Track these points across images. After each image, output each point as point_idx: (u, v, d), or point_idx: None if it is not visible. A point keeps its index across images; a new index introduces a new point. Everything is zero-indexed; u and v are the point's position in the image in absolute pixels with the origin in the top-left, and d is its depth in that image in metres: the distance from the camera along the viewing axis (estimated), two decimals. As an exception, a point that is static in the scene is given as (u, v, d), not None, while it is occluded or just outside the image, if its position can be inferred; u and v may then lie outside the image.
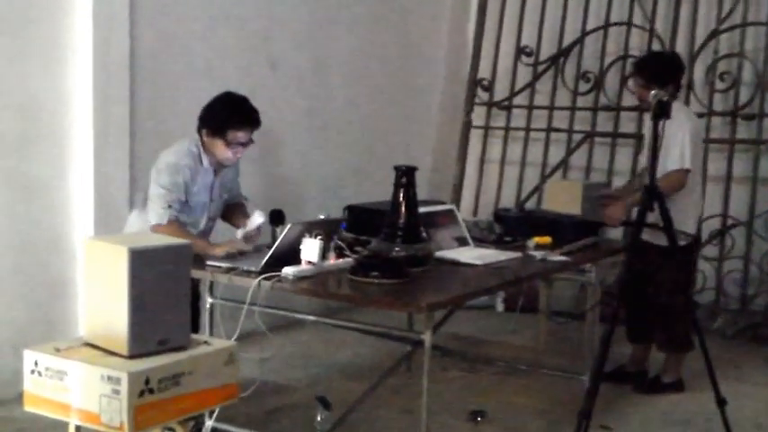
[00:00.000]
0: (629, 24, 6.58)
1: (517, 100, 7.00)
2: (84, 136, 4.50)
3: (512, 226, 4.56)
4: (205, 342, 3.13)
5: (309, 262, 3.47)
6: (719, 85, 6.23)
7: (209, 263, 3.62)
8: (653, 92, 3.67)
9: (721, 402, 3.79)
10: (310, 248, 3.47)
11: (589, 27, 6.75)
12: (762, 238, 6.10)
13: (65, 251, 4.51)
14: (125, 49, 4.64)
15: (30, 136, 4.35)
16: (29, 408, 3.01)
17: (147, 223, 3.83)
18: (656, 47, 6.35)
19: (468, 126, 7.07)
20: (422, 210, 3.84)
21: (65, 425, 2.97)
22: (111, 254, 2.90)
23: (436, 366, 4.71)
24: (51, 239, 4.48)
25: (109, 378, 2.79)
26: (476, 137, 7.14)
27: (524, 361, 5.16)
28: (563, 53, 6.82)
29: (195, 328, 3.58)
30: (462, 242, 4.17)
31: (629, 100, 6.33)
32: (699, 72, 6.32)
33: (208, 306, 3.80)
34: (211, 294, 3.80)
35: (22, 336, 4.14)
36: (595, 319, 4.65)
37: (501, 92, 7.06)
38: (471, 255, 3.95)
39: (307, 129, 5.98)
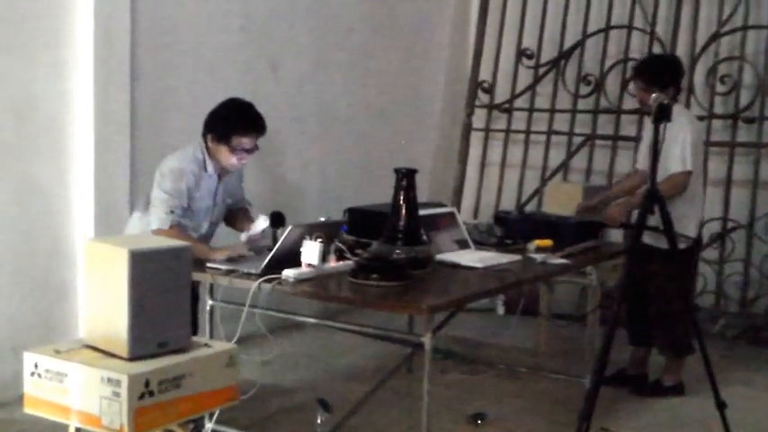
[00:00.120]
0: (629, 27, 6.58)
1: (518, 103, 7.01)
2: (85, 138, 4.50)
3: (512, 228, 4.56)
4: (205, 344, 3.13)
5: (310, 264, 3.47)
6: (720, 89, 6.24)
7: (209, 265, 3.62)
8: (654, 95, 3.67)
9: (721, 406, 3.78)
10: (311, 251, 3.47)
11: (590, 30, 6.76)
12: (762, 241, 6.10)
13: (65, 253, 4.51)
14: (126, 50, 4.64)
15: (30, 138, 4.35)
16: (29, 410, 3.01)
17: (149, 226, 3.83)
18: (656, 50, 6.36)
19: (468, 128, 7.08)
20: (422, 212, 3.84)
21: (65, 427, 2.97)
22: (111, 256, 2.90)
23: (437, 369, 4.72)
24: (51, 241, 4.48)
25: (109, 380, 2.78)
26: (476, 139, 7.14)
27: (525, 364, 5.16)
28: (564, 56, 6.83)
29: (193, 330, 3.58)
30: (463, 245, 4.17)
31: (629, 103, 6.33)
32: (699, 75, 6.32)
33: (208, 308, 3.79)
34: (212, 297, 3.79)
35: (22, 338, 4.14)
36: (596, 321, 4.65)
37: (502, 94, 7.06)
38: (472, 257, 3.95)
39: (307, 131, 5.98)
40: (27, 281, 4.39)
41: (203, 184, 3.91)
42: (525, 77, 6.99)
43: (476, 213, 6.93)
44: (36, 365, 2.95)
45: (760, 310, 6.05)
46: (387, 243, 3.67)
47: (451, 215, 4.27)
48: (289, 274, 3.42)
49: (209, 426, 3.67)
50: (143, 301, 2.87)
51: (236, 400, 3.16)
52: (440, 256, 3.87)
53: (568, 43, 6.82)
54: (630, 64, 6.26)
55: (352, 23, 6.28)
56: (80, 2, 4.43)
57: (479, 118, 7.12)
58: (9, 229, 4.29)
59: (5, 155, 4.26)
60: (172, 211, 3.78)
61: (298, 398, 4.55)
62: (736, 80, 6.19)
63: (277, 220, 3.91)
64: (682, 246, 4.22)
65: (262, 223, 3.89)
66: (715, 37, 6.27)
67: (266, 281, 3.39)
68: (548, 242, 4.31)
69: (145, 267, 2.87)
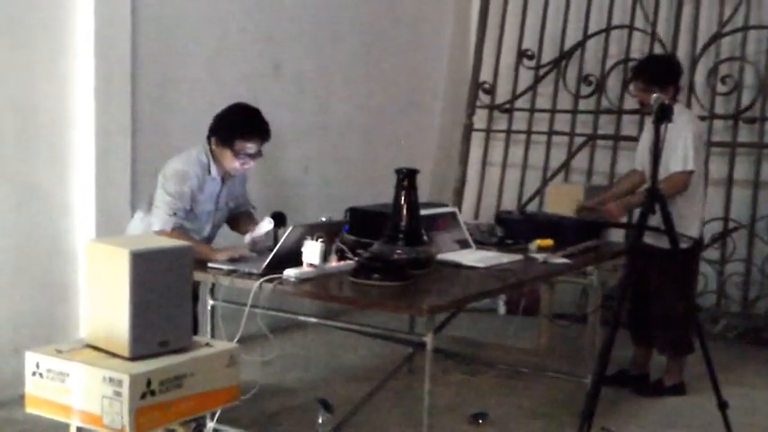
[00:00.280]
0: (630, 27, 6.58)
1: (519, 103, 7.00)
2: (86, 139, 4.50)
3: (513, 228, 4.56)
4: (207, 344, 3.14)
5: (311, 264, 3.48)
6: (721, 89, 6.23)
7: (210, 265, 3.63)
8: (654, 95, 3.67)
9: (723, 406, 3.78)
10: (312, 251, 3.47)
11: (591, 30, 6.76)
12: (763, 242, 6.10)
13: (66, 253, 4.51)
14: (127, 51, 4.65)
15: (31, 139, 4.36)
16: (30, 409, 3.02)
17: (151, 227, 3.83)
18: (657, 50, 6.35)
19: (469, 129, 7.07)
20: (423, 212, 3.84)
21: (66, 426, 2.97)
22: (112, 256, 2.91)
23: (438, 369, 4.71)
24: (53, 242, 4.48)
25: (110, 380, 2.79)
26: (477, 140, 7.14)
27: (526, 364, 5.16)
28: (565, 56, 6.83)
29: (195, 330, 3.58)
30: (464, 245, 4.17)
31: (630, 103, 6.32)
32: (700, 75, 6.32)
33: (209, 308, 3.80)
34: (213, 296, 3.80)
35: (23, 337, 4.14)
36: (597, 321, 4.65)
37: (503, 95, 7.06)
38: (473, 257, 3.95)
39: (309, 131, 5.98)
40: (28, 281, 4.40)
41: (206, 188, 3.92)
42: (526, 78, 6.99)
43: (477, 213, 6.93)
44: (37, 365, 2.96)
45: (761, 311, 6.05)
46: (388, 243, 3.67)
47: (452, 215, 4.27)
48: (290, 273, 3.43)
49: (210, 425, 3.68)
50: (144, 301, 2.87)
51: (237, 400, 3.16)
52: (441, 256, 3.87)
53: (569, 44, 6.82)
54: (631, 64, 6.26)
55: (353, 24, 6.29)
56: (81, 4, 4.43)
57: (480, 118, 7.12)
58: (11, 230, 4.30)
59: (6, 156, 4.27)
60: (174, 213, 3.79)
61: (299, 398, 4.55)
62: (737, 80, 6.19)
63: (278, 220, 3.90)
64: (683, 245, 4.21)
65: (266, 225, 3.89)
66: (716, 37, 6.27)
67: (267, 281, 3.39)
68: (549, 242, 4.31)
69: (146, 268, 2.87)
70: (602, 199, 4.88)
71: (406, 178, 3.73)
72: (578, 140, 6.72)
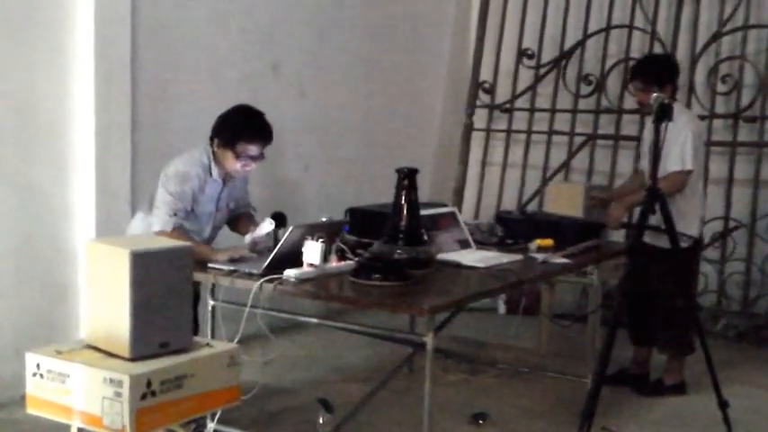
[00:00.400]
0: (630, 27, 6.58)
1: (519, 103, 7.00)
2: (86, 139, 4.50)
3: (513, 228, 4.56)
4: (207, 344, 3.14)
5: (311, 264, 3.47)
6: (721, 88, 6.23)
7: (211, 265, 3.63)
8: (654, 95, 3.67)
9: (723, 405, 3.79)
10: (312, 251, 3.47)
11: (591, 30, 6.76)
12: (764, 241, 6.10)
13: (66, 254, 4.51)
14: (126, 51, 4.64)
15: (31, 139, 4.36)
16: (31, 410, 3.02)
17: (151, 227, 3.83)
18: (657, 49, 6.36)
19: (469, 129, 7.07)
20: (423, 212, 3.84)
21: (67, 427, 2.97)
22: (112, 256, 2.91)
23: (438, 369, 4.71)
24: (53, 242, 4.48)
25: (111, 380, 2.79)
26: (477, 139, 7.14)
27: (526, 363, 5.16)
28: (564, 56, 6.83)
29: (195, 330, 3.58)
30: (464, 244, 4.17)
31: (630, 102, 6.31)
32: (700, 75, 6.32)
33: (209, 308, 3.80)
34: (213, 297, 3.80)
35: (23, 338, 4.14)
36: (597, 321, 4.65)
37: (502, 95, 7.06)
38: (473, 257, 3.95)
39: (308, 131, 5.98)
40: (29, 282, 4.40)
41: (207, 189, 3.91)
42: (526, 78, 6.99)
43: (477, 213, 6.93)
44: (38, 366, 2.96)
45: (761, 310, 6.05)
46: (388, 243, 3.67)
47: (453, 215, 4.27)
48: (290, 274, 3.43)
49: (210, 426, 3.68)
50: (144, 301, 2.87)
51: (237, 401, 3.16)
52: (441, 256, 3.87)
53: (569, 43, 6.82)
54: (631, 64, 6.26)
55: (353, 24, 6.28)
56: (81, 4, 4.43)
57: (480, 118, 7.12)
58: (10, 231, 4.30)
59: (6, 157, 4.26)
60: (175, 214, 3.79)
61: (299, 398, 4.55)
62: (737, 80, 6.19)
63: (278, 220, 3.90)
64: (683, 245, 4.21)
65: (267, 226, 3.89)
66: (716, 36, 6.27)
67: (268, 281, 3.39)
68: (549, 242, 4.31)
69: (146, 268, 2.87)
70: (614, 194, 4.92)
71: (407, 178, 3.73)
72: (578, 140, 6.73)
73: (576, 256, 4.20)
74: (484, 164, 7.11)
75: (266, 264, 3.48)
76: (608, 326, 3.68)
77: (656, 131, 3.57)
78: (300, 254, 3.48)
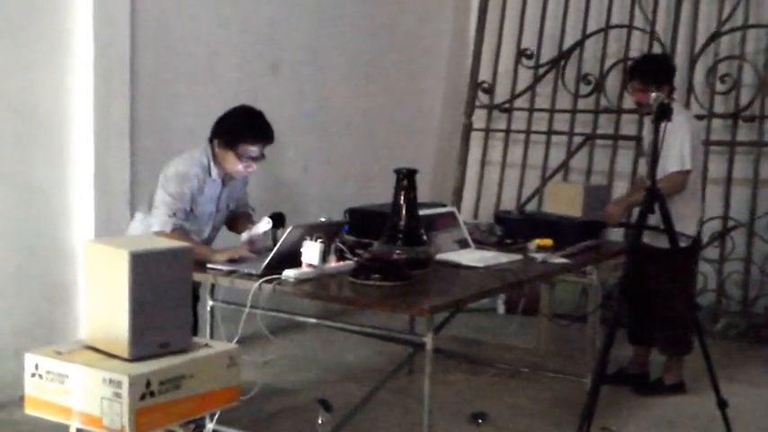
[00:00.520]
0: (629, 27, 6.58)
1: (518, 103, 7.01)
2: (85, 139, 4.50)
3: (513, 228, 4.56)
4: (206, 345, 3.13)
5: (310, 265, 3.47)
6: (720, 88, 6.24)
7: (210, 266, 3.62)
8: (653, 94, 3.67)
9: (722, 404, 3.79)
10: (311, 251, 3.47)
11: (590, 29, 6.76)
12: (763, 240, 6.10)
13: (65, 254, 4.51)
14: (126, 51, 4.64)
15: (30, 139, 4.35)
16: (30, 411, 3.01)
17: (151, 227, 3.83)
18: (656, 49, 6.36)
19: (468, 129, 7.08)
20: (422, 212, 3.84)
21: (66, 428, 2.97)
22: (111, 257, 2.90)
23: (437, 369, 4.69)
24: (52, 243, 4.48)
25: (110, 381, 2.79)
26: (476, 139, 7.14)
27: (526, 363, 5.16)
28: (564, 56, 6.83)
29: (194, 331, 3.58)
30: (463, 244, 4.17)
31: (629, 102, 6.29)
32: (699, 74, 6.32)
33: (209, 309, 3.80)
34: (212, 297, 3.79)
35: (23, 339, 4.14)
36: (596, 321, 4.65)
37: (502, 95, 7.06)
38: (472, 257, 3.95)
39: (308, 131, 5.98)
40: (28, 282, 4.39)
41: (207, 189, 3.91)
42: (525, 77, 6.99)
43: (476, 213, 6.93)
44: (37, 366, 2.96)
45: (761, 309, 6.05)
46: (387, 243, 3.67)
47: (452, 215, 4.27)
48: (289, 274, 3.42)
49: (209, 426, 3.67)
50: (144, 302, 2.87)
51: (236, 401, 3.16)
52: (440, 256, 3.87)
53: (568, 43, 6.82)
54: (630, 63, 6.26)
55: (352, 24, 6.28)
56: (80, 4, 4.43)
57: (479, 118, 7.12)
58: (10, 231, 4.29)
59: (5, 157, 4.26)
60: (174, 214, 3.78)
61: (298, 398, 4.55)
62: (736, 79, 6.19)
63: (277, 220, 3.90)
64: (682, 244, 4.22)
65: (264, 225, 3.88)
66: (715, 36, 6.27)
67: (267, 281, 3.39)
68: (548, 242, 4.31)
69: (145, 268, 2.87)
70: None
71: (406, 178, 3.73)
72: (577, 140, 6.73)
73: (576, 255, 4.20)
74: (483, 164, 7.11)
75: (265, 264, 3.47)
76: (607, 325, 3.68)
77: (656, 131, 3.57)
78: (299, 254, 3.48)
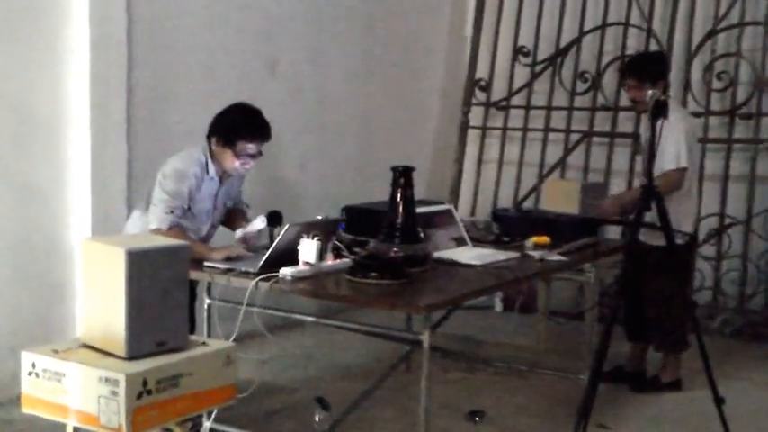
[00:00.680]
0: (626, 24, 6.58)
1: (515, 100, 7.00)
2: (82, 138, 4.50)
3: (510, 226, 4.55)
4: (203, 343, 3.13)
5: (307, 263, 3.47)
6: (717, 85, 6.24)
7: (207, 264, 3.62)
8: (650, 92, 3.68)
9: (719, 401, 3.79)
10: (308, 249, 3.47)
11: (586, 27, 6.75)
12: (760, 237, 6.11)
13: (62, 253, 4.51)
14: (122, 50, 4.64)
15: (27, 138, 4.35)
16: (27, 409, 3.01)
17: (148, 225, 3.83)
18: (653, 47, 6.36)
19: (465, 126, 7.08)
20: (419, 210, 3.84)
21: (63, 426, 2.97)
22: (108, 255, 2.90)
23: (435, 367, 4.68)
24: (49, 241, 4.47)
25: (107, 379, 2.78)
26: (473, 137, 7.14)
27: (523, 361, 5.16)
28: (560, 53, 6.83)
29: (191, 329, 3.58)
30: (460, 242, 4.16)
31: (626, 100, 6.29)
32: (696, 72, 6.32)
33: (206, 307, 3.79)
34: (209, 295, 3.79)
35: (19, 337, 4.14)
36: (594, 318, 4.65)
37: (498, 92, 7.06)
38: (469, 255, 3.95)
39: (305, 129, 5.98)
40: (25, 281, 4.39)
41: (204, 187, 3.91)
42: (522, 75, 6.99)
43: (473, 211, 6.93)
44: (33, 365, 2.95)
45: (758, 307, 6.06)
46: (384, 241, 3.66)
47: (449, 213, 4.27)
48: (286, 272, 3.42)
49: (207, 424, 3.67)
50: (140, 300, 2.87)
51: (234, 399, 3.16)
52: (437, 254, 3.87)
53: (565, 41, 6.82)
54: (625, 61, 6.27)
55: (350, 22, 6.28)
56: (76, 3, 4.42)
57: (476, 116, 7.12)
58: (7, 230, 4.29)
59: (2, 156, 4.26)
60: (171, 212, 3.78)
61: (296, 396, 4.55)
62: (733, 77, 6.19)
63: (274, 218, 3.90)
64: (678, 242, 4.22)
65: (259, 223, 3.89)
66: (711, 33, 6.27)
67: (264, 279, 3.39)
68: (545, 239, 4.30)
69: (142, 267, 2.87)
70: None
71: (403, 176, 3.73)
72: (574, 137, 6.73)
73: (573, 253, 4.19)
74: (480, 161, 7.11)
75: (262, 262, 3.47)
76: (604, 323, 3.68)
77: (653, 128, 3.57)
78: (296, 252, 3.48)
